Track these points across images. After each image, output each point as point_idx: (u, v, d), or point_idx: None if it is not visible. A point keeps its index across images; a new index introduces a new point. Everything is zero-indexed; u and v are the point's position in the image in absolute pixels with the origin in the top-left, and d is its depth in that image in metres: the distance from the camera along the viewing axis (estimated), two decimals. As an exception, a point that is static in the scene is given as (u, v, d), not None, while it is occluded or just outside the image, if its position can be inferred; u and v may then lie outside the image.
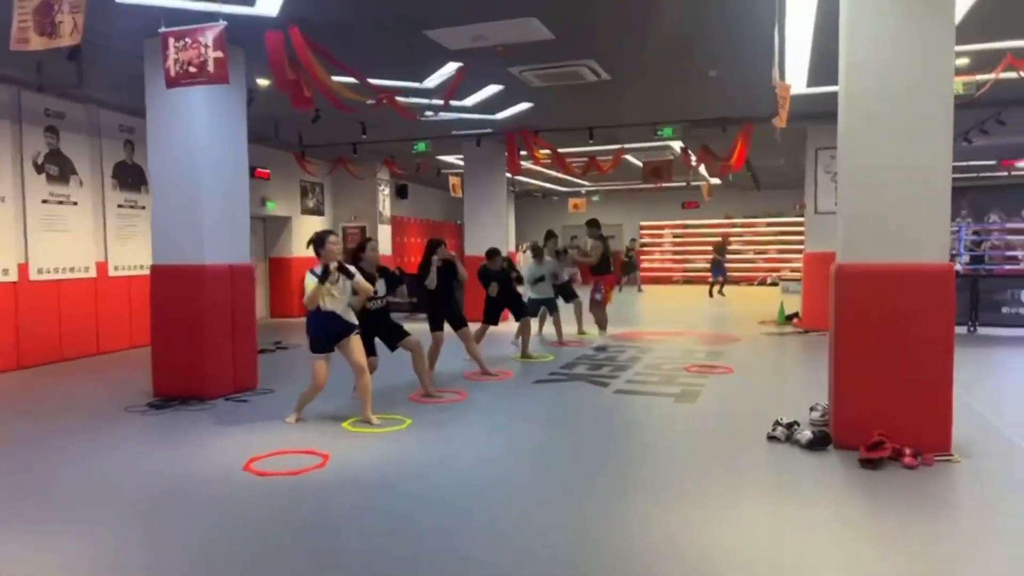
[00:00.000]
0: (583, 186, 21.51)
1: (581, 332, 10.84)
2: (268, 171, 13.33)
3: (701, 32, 6.70)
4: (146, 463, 4.76)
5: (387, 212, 16.36)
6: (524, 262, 14.26)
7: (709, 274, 19.48)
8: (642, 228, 24.56)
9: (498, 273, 8.54)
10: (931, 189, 4.53)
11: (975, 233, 13.35)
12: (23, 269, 8.39)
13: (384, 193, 16.22)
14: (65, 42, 4.13)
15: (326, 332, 5.55)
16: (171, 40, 5.17)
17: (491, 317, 8.58)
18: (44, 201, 8.68)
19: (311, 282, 5.41)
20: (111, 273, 9.62)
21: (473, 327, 7.77)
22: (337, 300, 5.52)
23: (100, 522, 3.75)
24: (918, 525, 3.57)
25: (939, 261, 4.55)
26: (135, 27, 6.10)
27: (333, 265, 5.45)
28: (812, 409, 5.47)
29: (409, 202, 18.97)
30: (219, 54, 5.04)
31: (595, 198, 23.46)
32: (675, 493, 4.05)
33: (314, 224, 15.08)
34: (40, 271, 8.60)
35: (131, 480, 4.40)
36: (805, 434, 4.87)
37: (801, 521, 3.65)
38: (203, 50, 5.06)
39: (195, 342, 6.53)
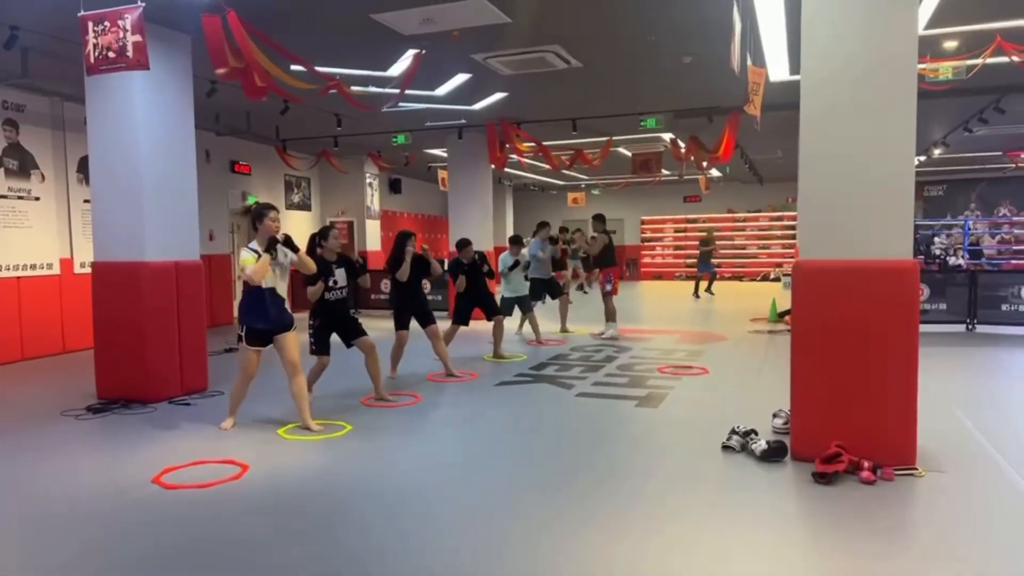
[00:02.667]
0: (582, 180, 21.10)
1: (564, 331, 10.50)
2: (249, 165, 13.09)
3: (663, 14, 6.33)
4: (48, 474, 4.46)
5: (376, 207, 16.07)
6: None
7: (696, 270, 17.71)
8: (643, 223, 24.14)
9: (469, 266, 8.07)
10: (892, 182, 4.17)
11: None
12: (-20, 266, 8.19)
13: (372, 188, 15.93)
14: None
15: (266, 318, 5.17)
16: (90, 24, 4.88)
17: (461, 316, 8.12)
18: (3, 196, 8.46)
19: (249, 256, 5.09)
20: (77, 270, 9.38)
21: (443, 326, 7.46)
22: (279, 278, 5.24)
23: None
24: (859, 546, 3.21)
25: (902, 258, 4.19)
26: (69, 11, 5.81)
27: (281, 235, 5.17)
28: (775, 416, 5.13)
29: (403, 197, 18.68)
30: (138, 38, 4.74)
31: (595, 191, 23.08)
32: (607, 510, 3.71)
33: (300, 219, 14.85)
34: (-1, 268, 8.40)
35: (27, 491, 4.14)
36: (760, 444, 4.51)
37: (738, 542, 3.30)
38: (122, 34, 4.76)
39: (137, 343, 6.26)
